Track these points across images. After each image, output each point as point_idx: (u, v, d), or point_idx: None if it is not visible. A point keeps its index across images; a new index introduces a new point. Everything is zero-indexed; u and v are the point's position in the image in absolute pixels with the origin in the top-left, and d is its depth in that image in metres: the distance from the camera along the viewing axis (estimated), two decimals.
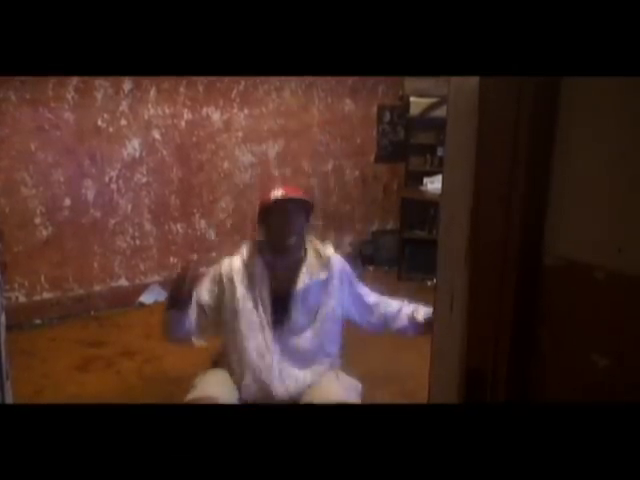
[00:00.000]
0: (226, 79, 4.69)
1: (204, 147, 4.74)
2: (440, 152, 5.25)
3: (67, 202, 4.19)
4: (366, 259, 5.69)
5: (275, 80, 4.92)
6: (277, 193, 2.33)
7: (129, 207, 4.47)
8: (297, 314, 2.27)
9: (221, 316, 2.34)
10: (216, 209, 4.88)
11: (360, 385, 2.42)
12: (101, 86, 4.17)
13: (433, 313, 1.12)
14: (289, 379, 2.25)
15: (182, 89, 4.53)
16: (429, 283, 4.85)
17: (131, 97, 4.31)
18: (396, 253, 5.46)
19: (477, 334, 1.00)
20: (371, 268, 5.65)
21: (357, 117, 5.53)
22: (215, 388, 2.28)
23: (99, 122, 4.22)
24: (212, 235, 4.91)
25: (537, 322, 0.92)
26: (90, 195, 4.28)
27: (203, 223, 4.85)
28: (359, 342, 3.21)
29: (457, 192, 1.04)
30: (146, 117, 4.41)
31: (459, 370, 1.03)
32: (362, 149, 5.66)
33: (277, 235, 2.27)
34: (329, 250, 2.41)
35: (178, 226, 4.74)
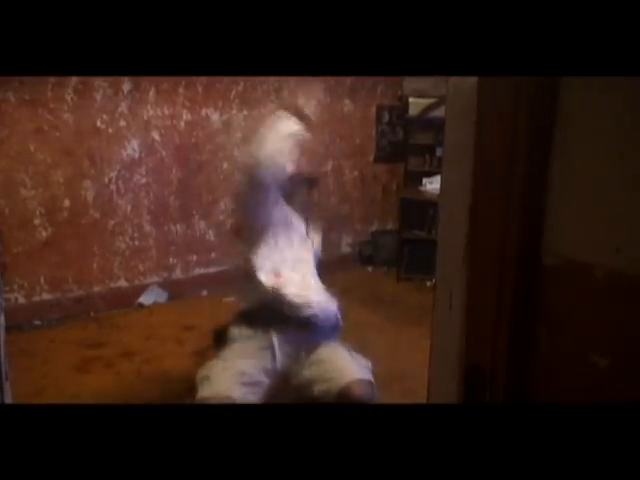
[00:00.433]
0: (225, 80, 4.69)
1: (203, 148, 4.74)
2: (439, 152, 5.25)
3: (66, 203, 4.19)
4: (365, 259, 5.70)
5: (274, 81, 4.92)
6: None
7: (128, 208, 4.47)
8: None
9: None
10: (215, 210, 4.89)
11: (370, 364, 2.57)
12: (100, 87, 4.17)
13: (433, 311, 1.12)
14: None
15: (181, 90, 4.53)
16: (428, 283, 4.86)
17: (130, 98, 4.31)
18: (395, 253, 5.47)
19: (476, 332, 1.00)
20: (370, 268, 5.65)
21: (356, 117, 5.54)
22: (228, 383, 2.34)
23: (98, 123, 4.22)
24: (211, 236, 4.91)
25: (536, 321, 0.92)
26: (89, 196, 4.28)
27: (202, 224, 4.86)
28: (359, 341, 3.21)
29: (456, 192, 1.04)
30: (145, 118, 4.41)
31: (458, 368, 1.03)
32: (361, 149, 5.66)
33: None
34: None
35: (177, 227, 4.74)
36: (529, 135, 0.91)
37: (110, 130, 4.28)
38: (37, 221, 4.11)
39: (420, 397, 1.20)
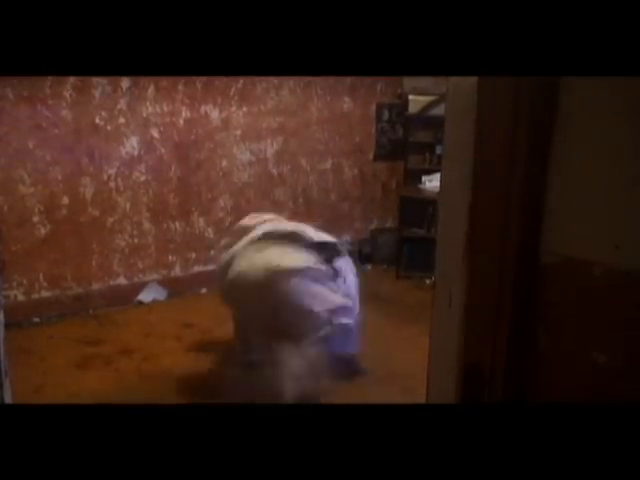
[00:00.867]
0: (224, 77, 4.69)
1: (202, 145, 4.74)
2: (439, 150, 5.25)
3: (65, 200, 4.19)
4: (365, 257, 5.70)
5: (274, 78, 4.92)
6: None
7: (127, 205, 4.46)
8: None
9: None
10: (215, 207, 4.88)
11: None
12: (99, 84, 4.16)
13: (432, 309, 1.12)
14: None
15: (180, 87, 4.52)
16: (427, 281, 4.86)
17: (129, 95, 4.31)
18: (395, 251, 5.47)
19: (475, 330, 1.00)
20: (370, 266, 5.65)
21: (356, 115, 5.53)
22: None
23: (97, 120, 4.21)
24: (211, 233, 4.90)
25: (535, 318, 0.92)
26: (88, 193, 4.28)
27: (202, 221, 4.85)
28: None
29: (455, 190, 1.04)
30: (144, 115, 4.41)
31: (457, 366, 1.03)
32: (361, 147, 5.66)
33: None
34: None
35: (177, 224, 4.74)
36: (529, 134, 0.91)
37: (109, 127, 4.27)
38: (36, 218, 4.10)
39: (419, 395, 1.20)
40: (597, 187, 0.84)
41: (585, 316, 0.86)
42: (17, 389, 1.48)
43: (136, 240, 4.56)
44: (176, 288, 4.73)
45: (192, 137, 4.66)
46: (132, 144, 4.40)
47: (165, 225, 4.68)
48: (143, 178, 4.49)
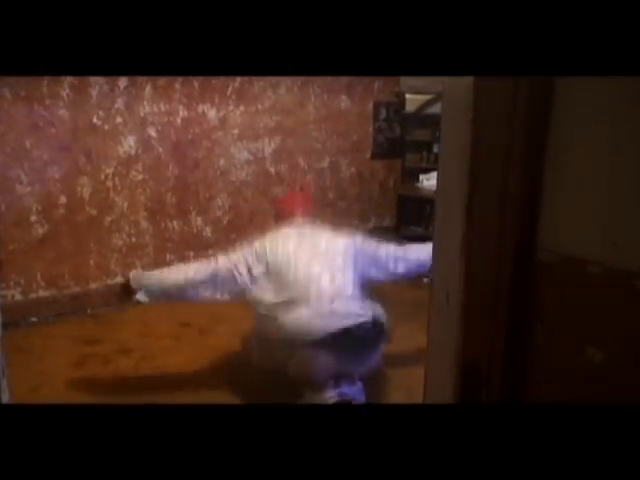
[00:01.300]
0: (222, 76, 4.68)
1: (200, 144, 4.73)
2: (436, 149, 5.25)
3: (63, 200, 4.19)
4: None
5: (271, 77, 4.92)
6: None
7: (125, 205, 4.46)
8: None
9: None
10: (212, 206, 4.88)
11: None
12: (96, 83, 4.16)
13: (429, 308, 1.12)
14: None
15: (177, 86, 4.52)
16: (425, 280, 4.85)
17: (126, 94, 4.30)
18: None
19: (473, 329, 1.00)
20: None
21: (353, 114, 5.53)
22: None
23: (94, 119, 4.21)
24: (208, 232, 4.90)
25: (532, 317, 0.92)
26: (86, 193, 4.27)
27: (199, 220, 4.85)
28: None
29: (452, 189, 1.04)
30: (142, 114, 4.40)
31: (455, 365, 1.04)
32: (358, 146, 5.66)
33: None
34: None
35: (174, 223, 4.73)
36: (526, 132, 0.91)
37: (106, 126, 4.27)
38: (33, 218, 4.10)
39: (416, 394, 1.20)
40: (594, 186, 0.85)
41: (582, 315, 0.86)
42: (14, 389, 1.48)
43: (134, 239, 4.55)
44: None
45: (189, 136, 4.66)
46: (129, 143, 4.39)
47: (163, 224, 4.68)
48: (140, 177, 4.49)
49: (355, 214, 5.79)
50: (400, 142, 5.64)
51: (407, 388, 3.01)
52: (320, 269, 2.89)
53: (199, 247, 4.85)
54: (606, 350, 0.84)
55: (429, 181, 5.14)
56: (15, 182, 3.98)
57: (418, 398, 1.18)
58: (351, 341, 2.75)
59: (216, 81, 4.68)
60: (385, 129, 5.76)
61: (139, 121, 4.40)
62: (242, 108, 4.84)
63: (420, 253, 3.16)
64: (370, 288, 3.19)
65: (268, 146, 5.08)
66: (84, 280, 4.39)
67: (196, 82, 4.59)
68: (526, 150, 0.91)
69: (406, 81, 5.48)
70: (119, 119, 4.31)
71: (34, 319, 4.15)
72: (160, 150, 4.54)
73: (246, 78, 4.77)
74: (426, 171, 5.29)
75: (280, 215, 3.32)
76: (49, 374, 3.35)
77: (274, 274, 2.90)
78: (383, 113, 5.73)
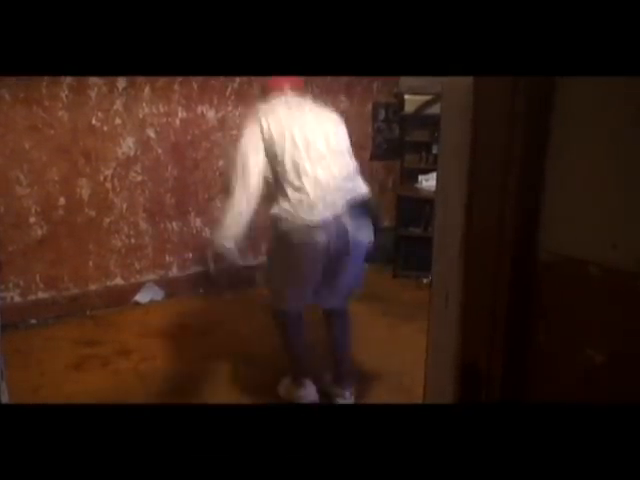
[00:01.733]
0: (221, 77, 4.68)
1: (199, 145, 4.73)
2: (435, 150, 5.25)
3: (62, 201, 4.18)
4: None
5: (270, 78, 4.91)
6: None
7: (124, 206, 4.46)
8: None
9: None
10: (211, 207, 4.88)
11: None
12: (95, 85, 4.16)
13: (429, 309, 1.12)
14: None
15: (176, 87, 4.52)
16: (425, 280, 4.86)
17: (125, 95, 4.30)
18: (391, 250, 5.47)
19: (472, 330, 1.00)
20: (366, 265, 5.65)
21: (352, 114, 5.52)
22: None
23: (93, 121, 4.21)
24: (208, 233, 4.90)
25: (532, 317, 0.92)
26: (85, 194, 4.27)
27: (199, 221, 4.85)
28: (355, 338, 3.22)
29: (452, 189, 1.04)
30: (141, 116, 4.40)
31: (454, 365, 1.04)
32: (357, 146, 5.64)
33: None
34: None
35: (174, 224, 4.73)
36: (525, 132, 0.91)
37: (105, 128, 4.27)
38: (32, 219, 4.10)
39: (416, 394, 1.20)
40: (595, 185, 0.85)
41: (583, 316, 0.86)
42: (14, 391, 1.48)
43: (133, 240, 4.55)
44: (173, 289, 4.72)
45: (188, 137, 4.66)
46: (128, 144, 4.39)
47: (162, 225, 4.68)
48: (139, 178, 4.49)
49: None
50: (399, 143, 5.64)
51: (407, 389, 3.01)
52: (325, 148, 2.90)
53: (198, 248, 4.85)
54: (607, 352, 0.84)
55: (428, 182, 5.14)
56: (14, 183, 3.98)
57: (418, 399, 1.18)
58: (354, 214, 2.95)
59: (215, 82, 4.68)
60: (384, 130, 5.76)
61: (138, 122, 4.40)
62: (241, 109, 4.84)
63: None
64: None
65: None
66: (83, 281, 4.39)
67: (195, 83, 4.59)
68: (526, 150, 0.91)
69: (405, 82, 5.48)
70: (118, 120, 4.31)
71: (33, 321, 4.14)
72: (159, 151, 4.54)
73: (245, 79, 4.77)
74: (425, 172, 5.29)
75: (269, 89, 3.16)
76: (49, 376, 3.35)
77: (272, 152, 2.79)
78: (382, 114, 5.73)
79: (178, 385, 3.26)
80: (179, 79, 4.50)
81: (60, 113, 4.07)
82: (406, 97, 5.41)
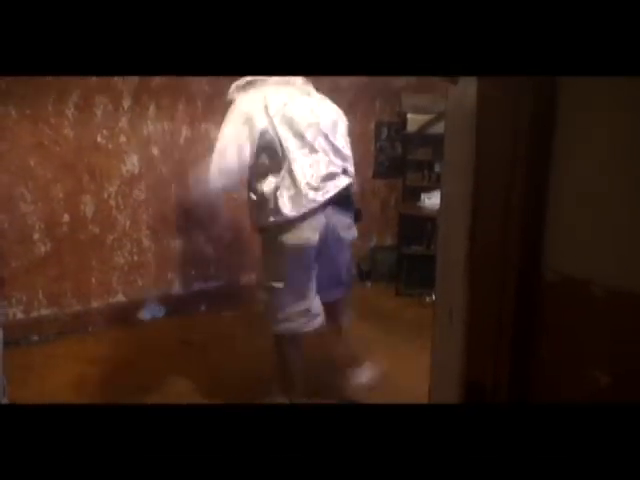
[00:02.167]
0: (224, 95, 4.71)
1: (203, 163, 4.74)
2: (437, 168, 5.27)
3: (66, 218, 4.20)
4: (364, 275, 5.69)
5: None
6: None
7: (127, 223, 4.47)
8: None
9: None
10: (214, 224, 4.88)
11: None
12: (100, 102, 4.19)
13: (433, 327, 1.12)
14: None
15: (181, 106, 4.55)
16: (427, 299, 4.85)
17: (130, 113, 4.33)
18: (394, 268, 5.47)
19: (477, 348, 1.00)
20: (369, 284, 5.65)
21: (355, 133, 5.53)
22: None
23: (99, 138, 4.23)
24: (210, 251, 4.91)
25: (537, 337, 0.92)
26: (89, 211, 4.29)
27: (201, 239, 4.85)
28: (358, 355, 3.20)
29: (455, 207, 1.05)
30: (145, 134, 4.43)
31: (459, 383, 1.03)
32: (360, 165, 5.65)
33: None
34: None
35: (176, 242, 4.74)
36: (528, 151, 0.92)
37: (110, 145, 4.29)
38: (36, 236, 4.11)
39: None
40: (598, 205, 0.85)
41: (588, 336, 0.86)
42: None
43: (135, 257, 4.56)
44: (175, 306, 4.72)
45: (192, 155, 4.68)
46: (133, 162, 4.42)
47: (165, 242, 4.68)
48: (143, 196, 4.50)
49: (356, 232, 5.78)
50: (402, 161, 5.66)
51: None
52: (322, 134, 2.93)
53: (201, 265, 4.86)
54: (612, 373, 0.84)
55: (430, 200, 5.15)
56: (19, 200, 4.00)
57: None
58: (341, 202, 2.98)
59: (219, 101, 4.70)
60: (386, 148, 5.79)
61: (143, 140, 4.43)
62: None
63: None
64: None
65: None
66: (85, 298, 4.38)
67: (199, 101, 4.62)
68: (529, 169, 0.92)
69: (407, 101, 5.52)
70: (123, 138, 4.33)
71: (35, 338, 4.14)
72: (163, 169, 4.56)
73: None
74: (427, 190, 5.30)
75: None
76: (50, 393, 3.33)
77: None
78: (385, 132, 5.76)
79: (180, 401, 3.24)
80: (183, 98, 4.53)
81: (66, 130, 4.09)
82: (408, 116, 5.43)
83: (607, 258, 0.82)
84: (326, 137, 2.88)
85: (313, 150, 2.79)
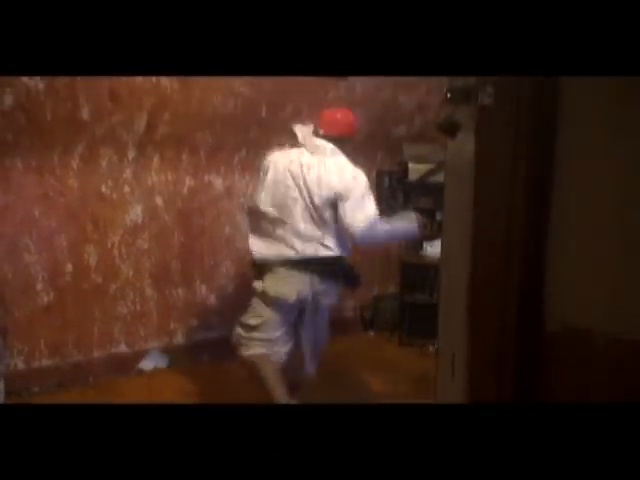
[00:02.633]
0: (228, 146, 4.78)
1: (206, 213, 4.79)
2: (439, 216, 5.29)
3: (69, 267, 4.20)
4: (367, 323, 5.66)
5: (277, 145, 5.01)
6: None
7: (130, 272, 4.47)
8: None
9: None
10: (217, 274, 4.89)
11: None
12: (105, 154, 4.24)
13: (436, 379, 1.12)
14: None
15: (185, 156, 4.61)
16: (431, 348, 4.81)
17: (135, 164, 4.38)
18: (397, 317, 5.43)
19: (479, 400, 0.99)
20: (372, 333, 5.61)
21: None
22: None
23: (103, 188, 4.28)
24: (213, 300, 4.89)
25: (538, 387, 0.92)
26: (92, 260, 4.30)
27: (204, 288, 4.85)
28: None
29: (455, 256, 1.05)
30: (149, 184, 4.47)
31: None
32: None
33: None
34: None
35: (179, 291, 4.73)
36: (527, 199, 0.93)
37: (114, 195, 4.33)
38: (39, 286, 4.11)
39: None
40: (598, 255, 0.85)
41: (589, 386, 0.85)
42: None
43: (138, 307, 4.54)
44: (178, 356, 4.68)
45: (196, 205, 4.72)
46: (136, 212, 4.45)
47: (167, 292, 4.68)
48: (146, 245, 4.52)
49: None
50: (403, 209, 5.68)
51: None
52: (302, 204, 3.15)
53: (203, 315, 4.84)
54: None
55: (432, 248, 5.15)
56: (23, 250, 4.01)
57: None
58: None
59: (222, 151, 4.78)
60: (388, 197, 5.82)
61: (146, 190, 4.47)
62: (248, 177, 4.91)
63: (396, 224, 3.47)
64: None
65: None
66: (87, 348, 4.35)
67: (203, 152, 4.68)
68: (528, 218, 0.93)
69: (409, 150, 5.58)
70: (127, 188, 4.38)
71: (36, 389, 4.09)
72: (166, 218, 4.59)
73: (252, 149, 4.84)
74: (430, 238, 5.30)
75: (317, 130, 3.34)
76: None
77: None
78: (386, 182, 5.80)
79: None
80: (187, 149, 4.59)
81: (71, 181, 4.14)
82: (410, 165, 5.49)
83: (608, 307, 0.82)
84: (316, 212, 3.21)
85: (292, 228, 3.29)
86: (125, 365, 4.47)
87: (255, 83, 4.56)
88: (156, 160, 4.48)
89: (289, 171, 3.15)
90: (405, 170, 5.58)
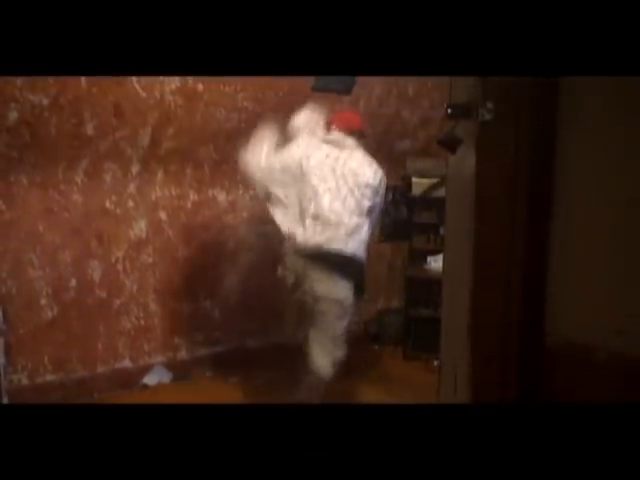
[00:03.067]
0: (231, 161, 4.79)
1: (210, 227, 4.80)
2: (442, 231, 5.29)
3: (73, 283, 4.21)
4: (372, 338, 5.64)
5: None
6: None
7: (134, 287, 4.48)
8: None
9: None
10: (221, 289, 4.89)
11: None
12: (110, 169, 4.26)
13: (438, 394, 1.11)
14: None
15: (189, 171, 4.63)
16: (435, 362, 4.78)
17: (139, 179, 4.40)
18: (401, 331, 5.42)
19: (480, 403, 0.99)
20: (376, 347, 5.59)
21: None
22: None
23: (107, 204, 4.29)
24: (217, 315, 4.89)
25: (540, 401, 0.91)
26: (96, 276, 4.30)
27: (208, 303, 4.84)
28: None
29: (458, 271, 1.05)
30: (153, 198, 4.49)
31: None
32: None
33: None
34: None
35: (183, 306, 4.73)
36: (528, 215, 0.93)
37: (118, 210, 4.35)
38: (43, 301, 4.11)
39: None
40: (599, 271, 0.85)
41: (589, 400, 0.85)
42: None
43: (142, 322, 4.54)
44: (182, 371, 4.67)
45: (200, 219, 4.73)
46: (140, 227, 4.46)
47: (171, 306, 4.67)
48: (150, 260, 4.53)
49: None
50: (407, 225, 5.70)
51: None
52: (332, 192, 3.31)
53: (207, 330, 4.83)
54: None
55: (437, 262, 5.15)
56: (27, 266, 4.02)
57: None
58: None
59: (226, 166, 4.79)
60: (392, 212, 5.83)
61: (150, 205, 4.48)
62: (251, 192, 4.92)
63: None
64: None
65: (276, 229, 5.12)
66: (91, 364, 4.35)
67: (207, 167, 4.70)
68: (530, 233, 0.93)
69: (412, 165, 5.60)
70: (131, 203, 4.39)
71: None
72: (170, 233, 4.60)
73: None
74: (434, 253, 5.31)
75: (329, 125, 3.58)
76: None
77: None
78: (390, 196, 5.81)
79: None
80: (191, 164, 4.61)
81: (75, 196, 4.15)
82: (413, 180, 5.50)
83: (608, 323, 0.82)
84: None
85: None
86: (129, 380, 4.46)
87: (259, 98, 4.58)
88: (160, 175, 4.50)
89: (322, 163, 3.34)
90: (409, 185, 5.59)
